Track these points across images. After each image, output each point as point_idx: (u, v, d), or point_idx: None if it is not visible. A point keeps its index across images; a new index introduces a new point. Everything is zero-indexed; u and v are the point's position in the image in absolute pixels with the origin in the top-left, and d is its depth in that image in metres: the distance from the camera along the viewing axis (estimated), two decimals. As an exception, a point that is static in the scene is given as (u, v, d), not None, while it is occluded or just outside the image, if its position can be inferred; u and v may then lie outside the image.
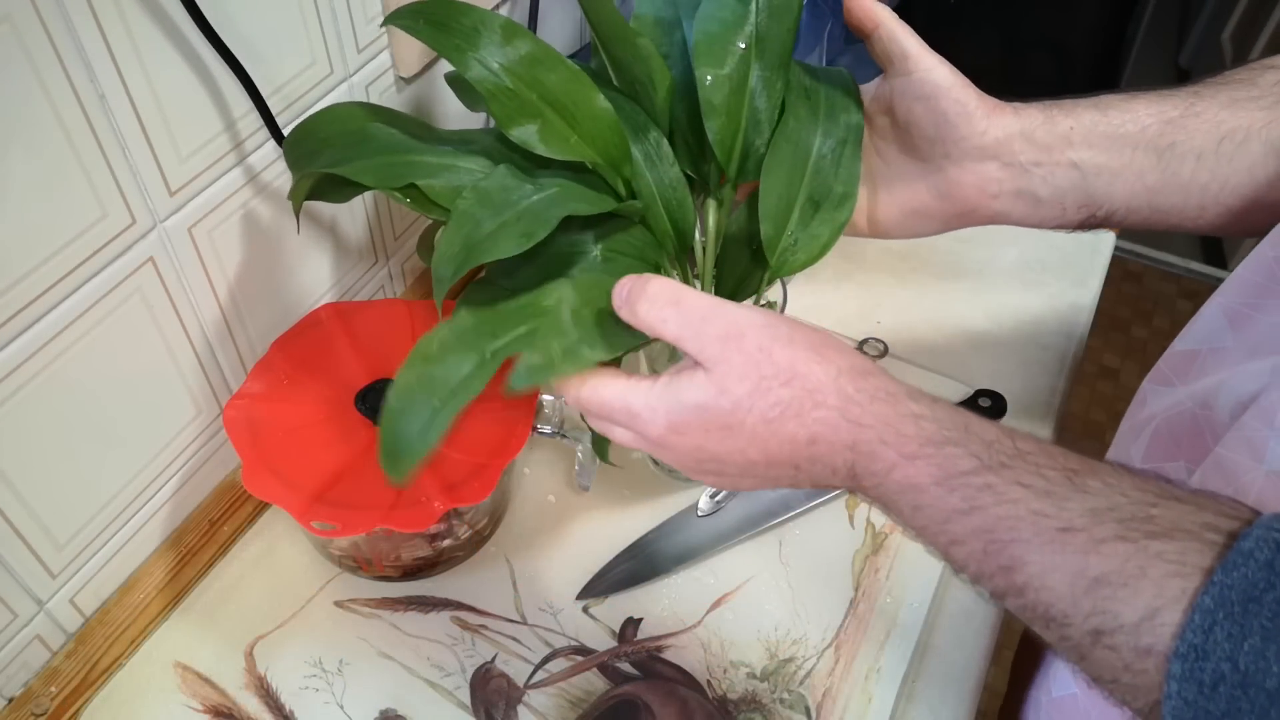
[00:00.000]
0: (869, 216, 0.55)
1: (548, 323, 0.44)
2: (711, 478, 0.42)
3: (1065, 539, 0.33)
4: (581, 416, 0.46)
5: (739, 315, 0.40)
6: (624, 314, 0.41)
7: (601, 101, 0.49)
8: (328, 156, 0.49)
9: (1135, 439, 0.52)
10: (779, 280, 0.56)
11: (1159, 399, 0.52)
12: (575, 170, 0.50)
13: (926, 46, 0.50)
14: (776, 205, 0.53)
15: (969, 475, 0.36)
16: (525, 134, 0.47)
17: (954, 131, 0.50)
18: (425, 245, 0.60)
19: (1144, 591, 0.32)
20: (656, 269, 0.54)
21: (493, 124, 0.72)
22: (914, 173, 0.52)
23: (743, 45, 0.51)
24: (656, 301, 0.40)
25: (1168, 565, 0.32)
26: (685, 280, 0.57)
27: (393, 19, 0.49)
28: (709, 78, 0.51)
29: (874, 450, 0.38)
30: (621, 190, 0.51)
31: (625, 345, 0.43)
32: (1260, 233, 0.49)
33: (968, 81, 0.50)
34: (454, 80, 0.60)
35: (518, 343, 0.44)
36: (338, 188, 0.50)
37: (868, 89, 0.55)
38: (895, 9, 0.77)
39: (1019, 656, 0.59)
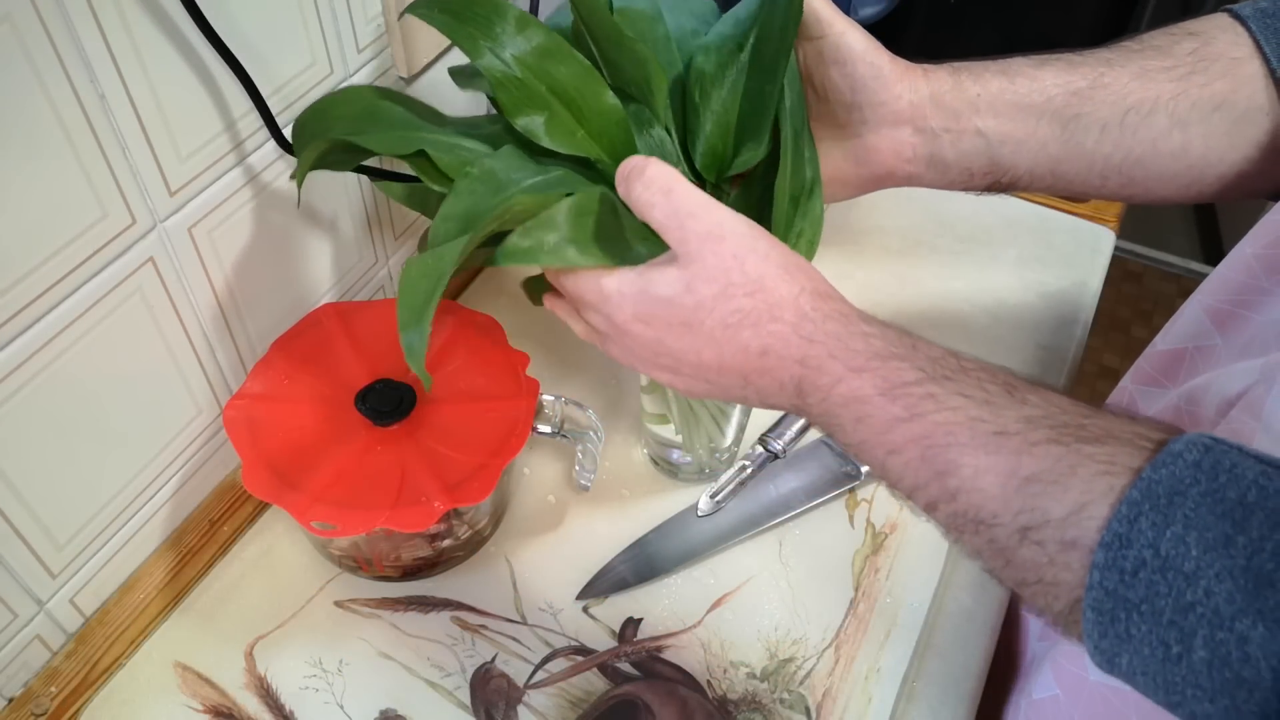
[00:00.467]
0: None
1: (546, 215, 0.44)
2: (665, 374, 0.43)
3: (1000, 441, 0.35)
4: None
5: (724, 219, 0.40)
6: (620, 189, 0.42)
7: (610, 98, 0.49)
8: (338, 130, 0.49)
9: None
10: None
11: (1150, 400, 0.52)
12: (579, 164, 0.50)
13: (837, 9, 0.50)
14: (760, 215, 0.53)
15: (912, 385, 0.37)
16: (531, 124, 0.47)
17: (871, 96, 0.50)
18: (424, 248, 0.60)
19: (1073, 489, 0.32)
20: None
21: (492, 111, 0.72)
22: (830, 141, 0.53)
23: (739, 44, 0.51)
24: (651, 185, 0.41)
25: (1098, 465, 0.32)
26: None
27: (412, 8, 0.50)
28: (699, 76, 0.51)
29: (822, 364, 0.39)
30: None
31: (612, 258, 0.44)
32: (1162, 202, 0.50)
33: (880, 45, 0.50)
34: (456, 71, 0.60)
35: (517, 200, 0.44)
36: (341, 157, 0.50)
37: None
38: (895, 9, 0.77)
39: (995, 661, 0.59)
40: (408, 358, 0.43)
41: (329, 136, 0.49)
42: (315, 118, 0.52)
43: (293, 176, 0.50)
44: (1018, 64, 0.51)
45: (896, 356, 0.38)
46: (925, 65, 0.52)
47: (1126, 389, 0.54)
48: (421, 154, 0.48)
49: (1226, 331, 0.48)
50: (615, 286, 0.42)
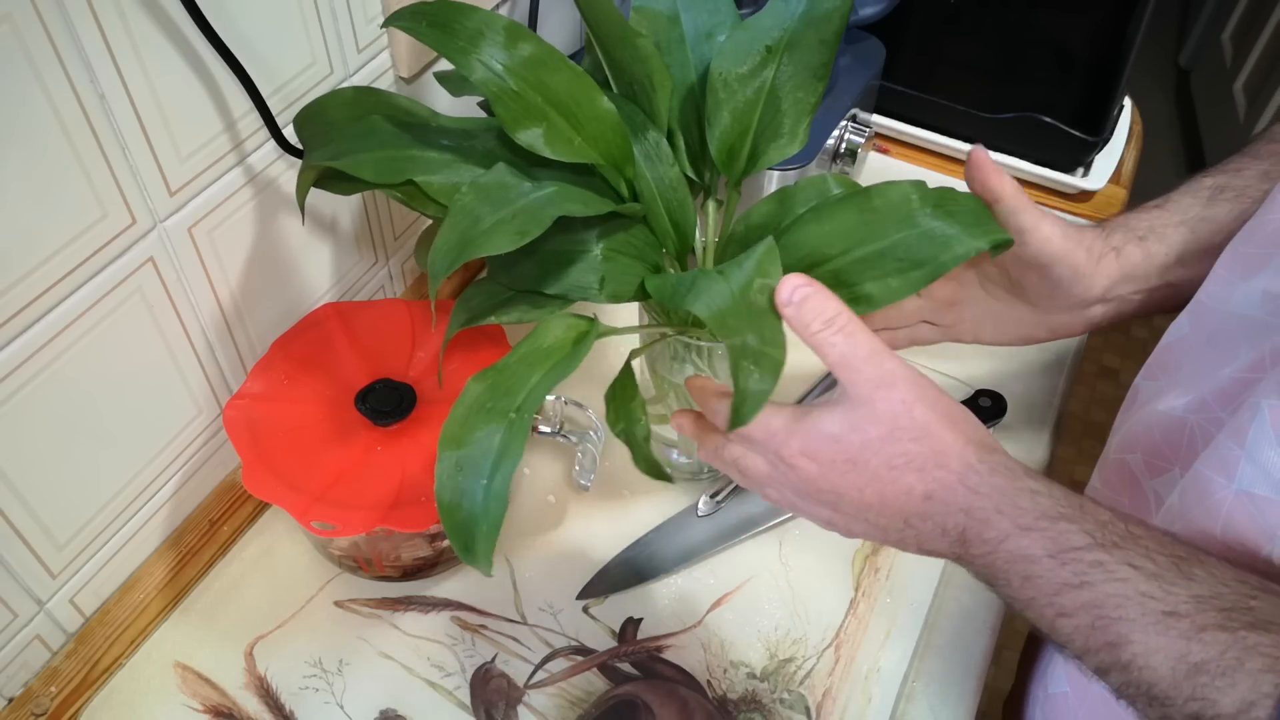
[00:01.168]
0: (973, 336, 0.58)
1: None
2: (825, 510, 0.43)
3: (1169, 623, 0.35)
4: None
5: (894, 367, 0.41)
6: (787, 312, 0.41)
7: (605, 103, 0.49)
8: (334, 146, 0.49)
9: (1133, 442, 0.53)
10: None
11: (1148, 396, 0.53)
12: (576, 170, 0.50)
13: (1043, 214, 0.51)
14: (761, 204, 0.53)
15: (1081, 551, 0.37)
16: (531, 138, 0.47)
17: (1067, 294, 0.53)
18: (424, 249, 0.60)
19: (1240, 684, 0.33)
20: (656, 269, 0.54)
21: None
22: (1023, 314, 0.55)
23: (768, 47, 0.52)
24: (832, 325, 0.41)
25: (1263, 659, 0.33)
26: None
27: (393, 20, 0.49)
28: (723, 74, 0.51)
29: (989, 518, 0.39)
30: (624, 191, 0.51)
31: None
32: None
33: (1078, 238, 0.52)
34: (443, 78, 0.60)
35: (538, 391, 0.44)
36: (340, 180, 0.50)
37: None
38: (895, 9, 0.77)
39: (1025, 653, 0.59)
40: None
41: (324, 157, 0.48)
42: (316, 114, 0.52)
43: (298, 187, 0.50)
44: (1190, 207, 0.52)
45: (1064, 518, 0.38)
46: (1113, 239, 0.53)
47: (1139, 385, 0.54)
48: (411, 182, 0.48)
49: (1196, 323, 0.50)
50: (782, 423, 0.42)
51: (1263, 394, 0.40)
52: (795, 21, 0.51)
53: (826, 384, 0.70)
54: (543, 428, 0.59)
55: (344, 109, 0.52)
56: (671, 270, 0.56)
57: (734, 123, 0.52)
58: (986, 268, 0.56)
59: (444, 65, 0.68)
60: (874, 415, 0.40)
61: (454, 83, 0.59)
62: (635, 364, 0.51)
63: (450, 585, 0.59)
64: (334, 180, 0.50)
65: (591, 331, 0.47)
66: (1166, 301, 0.54)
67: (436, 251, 0.45)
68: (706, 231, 0.56)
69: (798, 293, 0.41)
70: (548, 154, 0.48)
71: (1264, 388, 0.40)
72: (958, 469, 0.40)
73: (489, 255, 0.44)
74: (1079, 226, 0.53)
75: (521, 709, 0.54)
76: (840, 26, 0.51)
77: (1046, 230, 0.51)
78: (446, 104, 0.70)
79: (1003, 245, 0.48)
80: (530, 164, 0.49)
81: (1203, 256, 0.51)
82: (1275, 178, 0.51)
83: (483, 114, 0.59)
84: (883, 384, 0.40)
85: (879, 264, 0.46)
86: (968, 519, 0.40)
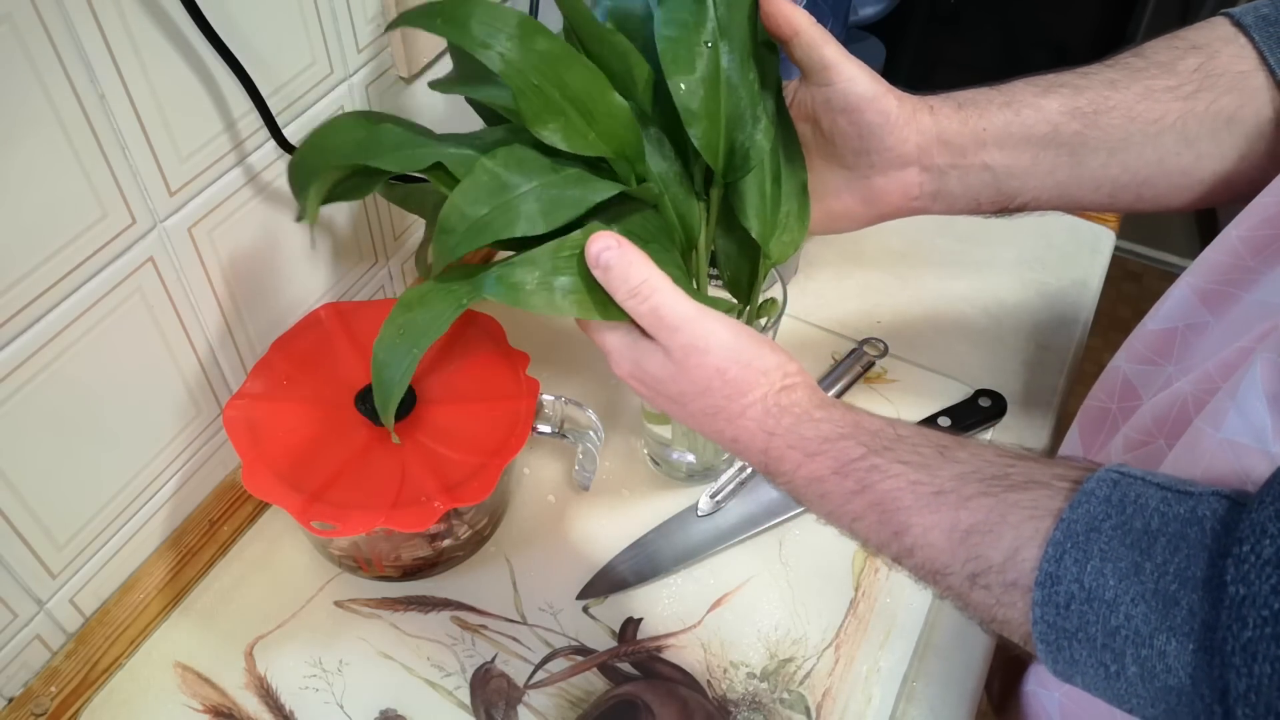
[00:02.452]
0: None
1: (534, 254, 0.45)
2: (666, 408, 0.48)
3: (939, 500, 0.39)
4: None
5: (708, 332, 0.44)
6: (598, 274, 0.45)
7: (617, 98, 0.49)
8: (345, 159, 0.49)
9: (1125, 419, 0.53)
10: (779, 280, 0.56)
11: (1148, 379, 0.53)
12: (585, 164, 0.50)
13: (845, 53, 0.50)
14: (753, 199, 0.53)
15: (858, 461, 0.41)
16: (551, 134, 0.48)
17: (879, 143, 0.51)
18: (424, 257, 0.60)
19: (1006, 535, 0.36)
20: (669, 250, 0.53)
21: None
22: (839, 181, 0.54)
23: (709, 44, 0.51)
24: (635, 295, 0.44)
25: (1024, 511, 0.36)
26: (685, 281, 0.56)
27: (404, 20, 0.49)
28: (682, 85, 0.51)
29: (782, 454, 0.44)
30: (634, 185, 0.51)
31: (595, 304, 0.46)
32: (1169, 211, 0.51)
33: (888, 87, 0.51)
34: (439, 86, 0.60)
35: (489, 281, 0.46)
36: (354, 185, 0.50)
37: (786, 91, 0.55)
38: (895, 9, 0.77)
39: (1010, 653, 0.60)
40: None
41: (336, 161, 0.48)
42: (313, 153, 0.50)
43: (300, 218, 0.50)
44: (1022, 92, 0.51)
45: (842, 437, 0.42)
46: (931, 100, 0.52)
47: (1120, 369, 0.54)
48: (439, 166, 0.48)
49: (1216, 310, 0.49)
50: (614, 344, 0.46)
51: (1260, 350, 0.40)
52: (717, 8, 0.50)
53: (843, 367, 0.70)
54: (542, 428, 0.59)
55: (346, 131, 0.51)
56: (675, 269, 0.56)
57: (710, 125, 0.51)
58: (801, 126, 0.54)
59: (445, 66, 0.68)
60: (689, 376, 0.44)
61: (447, 84, 0.59)
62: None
63: (450, 585, 0.59)
64: (347, 189, 0.50)
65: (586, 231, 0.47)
66: (985, 191, 0.52)
67: (451, 208, 0.45)
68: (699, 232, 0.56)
69: (601, 257, 0.44)
70: (565, 148, 0.48)
71: (1265, 346, 0.41)
72: (757, 415, 0.44)
73: (515, 238, 0.45)
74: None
75: (521, 709, 0.54)
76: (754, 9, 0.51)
77: (851, 69, 0.50)
78: (447, 107, 0.70)
79: None
80: (545, 155, 0.49)
81: (1022, 145, 0.50)
82: (1120, 87, 0.50)
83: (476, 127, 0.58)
84: (695, 350, 0.44)
85: None
86: (766, 456, 0.44)
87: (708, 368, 0.44)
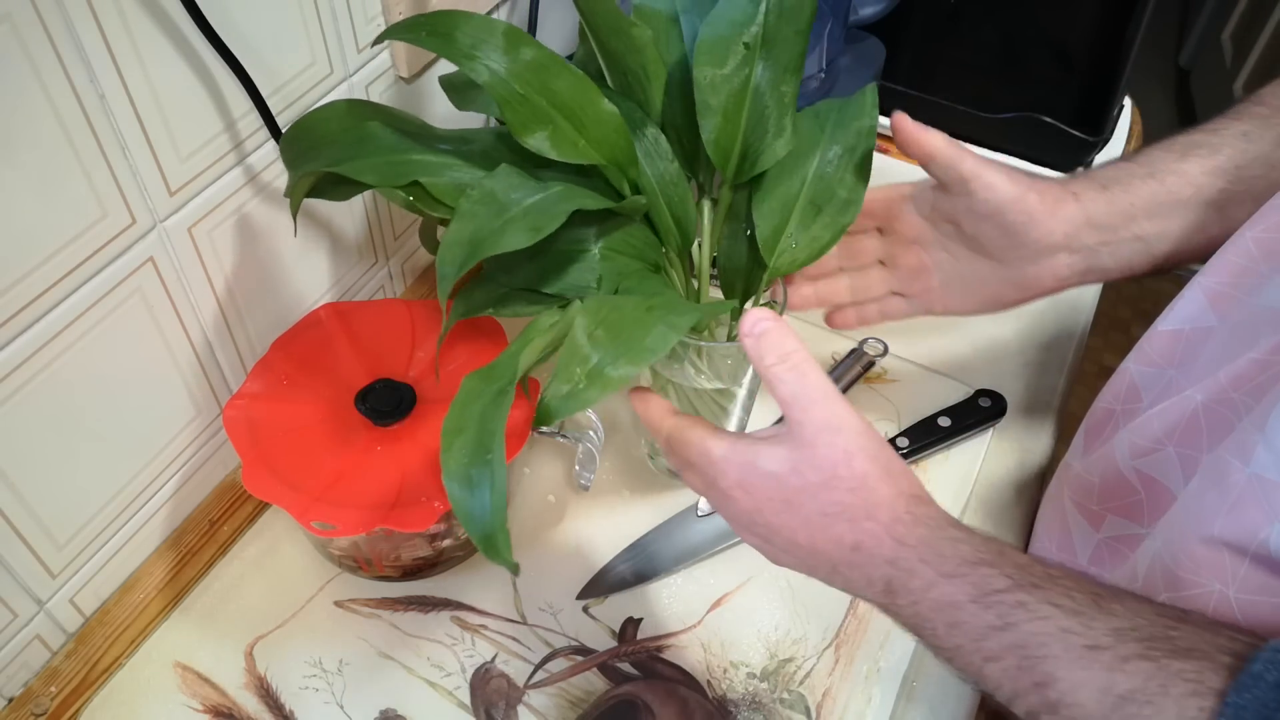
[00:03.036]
0: (943, 305, 0.57)
1: (566, 350, 0.44)
2: (757, 540, 0.44)
3: (1093, 656, 0.35)
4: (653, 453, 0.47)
5: (844, 414, 0.41)
6: (747, 343, 0.42)
7: (607, 105, 0.49)
8: (327, 155, 0.49)
9: (1127, 420, 0.52)
10: (779, 280, 0.56)
11: (1151, 383, 0.52)
12: (577, 172, 0.50)
13: (981, 160, 0.50)
14: (773, 207, 0.53)
15: (1003, 593, 0.38)
16: (538, 141, 0.47)
17: (1025, 238, 0.51)
18: (427, 234, 0.60)
19: (1167, 710, 0.33)
20: (656, 268, 0.54)
21: (490, 122, 0.72)
22: (987, 271, 0.54)
23: (747, 45, 0.51)
24: (787, 360, 0.41)
25: (1187, 684, 0.33)
26: (684, 281, 0.57)
27: (392, 33, 0.49)
28: (707, 77, 0.51)
29: (913, 568, 0.39)
30: (627, 191, 0.51)
31: (646, 360, 0.44)
32: None
33: (1028, 183, 0.51)
34: (449, 84, 0.60)
35: (524, 365, 0.45)
36: (338, 186, 0.50)
37: (924, 197, 0.55)
38: (895, 9, 0.77)
39: None
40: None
41: (320, 164, 0.48)
42: (303, 134, 0.51)
43: (287, 194, 0.50)
44: (1160, 160, 0.52)
45: (985, 563, 0.39)
46: (1073, 185, 0.52)
47: (1128, 371, 0.54)
48: (416, 184, 0.48)
49: (1223, 313, 0.49)
50: (722, 454, 0.43)
51: None
52: (768, 15, 0.51)
53: (843, 367, 0.70)
54: (543, 428, 0.59)
55: (337, 120, 0.51)
56: (675, 270, 0.56)
57: (725, 122, 0.52)
58: (944, 226, 0.55)
59: (445, 67, 0.68)
60: (815, 460, 0.41)
61: (459, 90, 0.59)
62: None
63: (450, 585, 0.59)
64: (331, 187, 0.50)
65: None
66: (1137, 259, 0.52)
67: (446, 250, 0.45)
68: (703, 232, 0.56)
69: (758, 325, 0.42)
70: (554, 156, 0.48)
71: None
72: (886, 520, 0.40)
73: (501, 253, 0.44)
74: (1030, 173, 0.52)
75: (521, 709, 0.54)
76: (811, 15, 0.51)
77: (990, 176, 0.50)
78: (447, 106, 0.70)
79: None
80: (533, 165, 0.49)
81: (1171, 211, 0.50)
82: (1254, 139, 0.50)
83: (473, 126, 0.59)
84: (828, 428, 0.41)
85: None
86: (893, 569, 0.40)
87: (837, 449, 0.41)
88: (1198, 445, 0.47)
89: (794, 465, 0.41)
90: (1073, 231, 0.51)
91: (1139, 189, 0.51)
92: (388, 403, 0.55)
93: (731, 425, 0.62)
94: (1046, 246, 0.52)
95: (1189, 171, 0.51)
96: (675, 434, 0.45)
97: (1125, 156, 0.53)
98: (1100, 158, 0.86)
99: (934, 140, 0.50)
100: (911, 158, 0.51)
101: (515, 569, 0.43)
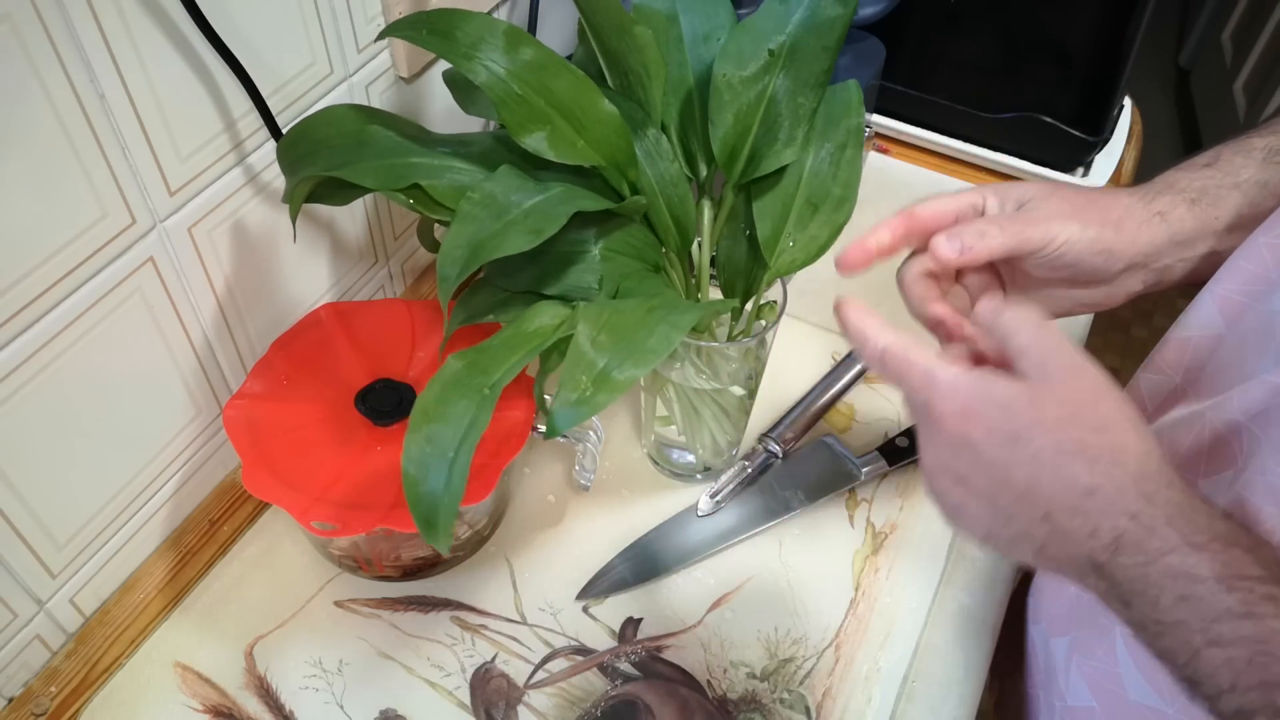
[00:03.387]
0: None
1: (571, 358, 0.44)
2: (948, 482, 0.39)
3: None
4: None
5: (1087, 363, 0.38)
6: (985, 313, 0.40)
7: (606, 105, 0.49)
8: (325, 160, 0.49)
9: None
10: (779, 280, 0.56)
11: (1154, 389, 0.52)
12: (576, 173, 0.50)
13: (1048, 219, 0.47)
14: (772, 207, 0.53)
15: (1254, 581, 0.34)
16: (536, 142, 0.47)
17: (1103, 274, 0.49)
18: (425, 232, 0.60)
19: None
20: (656, 269, 0.54)
21: (490, 126, 0.72)
22: (1060, 294, 0.52)
23: (771, 51, 0.51)
24: (1023, 311, 0.39)
25: None
26: (684, 281, 0.57)
27: (393, 30, 0.49)
28: (726, 76, 0.51)
29: (1156, 527, 0.35)
30: (626, 191, 0.51)
31: (651, 361, 0.44)
32: None
33: (1101, 216, 0.48)
34: (452, 80, 0.60)
35: (514, 369, 0.44)
36: (337, 190, 0.50)
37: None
38: (895, 9, 0.77)
39: (1000, 650, 0.59)
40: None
41: (317, 169, 0.48)
42: (300, 139, 0.51)
43: (285, 200, 0.50)
44: (1243, 169, 0.49)
45: (1240, 546, 0.35)
46: (1158, 204, 0.49)
47: (1138, 377, 0.54)
48: (416, 187, 0.48)
49: (1230, 320, 0.48)
50: (951, 376, 0.38)
51: None
52: (798, 27, 0.51)
53: (844, 366, 0.70)
54: (542, 427, 0.59)
55: (334, 125, 0.51)
56: (674, 270, 0.56)
57: (736, 123, 0.52)
58: (1019, 278, 0.53)
59: (444, 66, 0.68)
60: (1058, 394, 0.37)
61: (462, 89, 0.59)
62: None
63: (450, 585, 0.59)
64: (331, 192, 0.50)
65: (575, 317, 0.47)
66: (1204, 267, 0.50)
67: (446, 254, 0.45)
68: (703, 232, 0.56)
69: (991, 304, 0.40)
70: (552, 157, 0.48)
71: None
72: (1134, 471, 0.36)
73: (503, 257, 0.44)
74: (1102, 199, 0.49)
75: (521, 709, 0.54)
76: (842, 34, 0.51)
77: (1061, 235, 0.47)
78: (447, 106, 0.70)
79: None
80: (532, 167, 0.49)
81: (1255, 224, 0.48)
82: None
83: (473, 129, 0.59)
84: (1074, 370, 0.37)
85: None
86: (1131, 523, 0.35)
87: (1084, 388, 0.37)
88: (1194, 471, 0.47)
89: (1032, 398, 0.37)
90: (1153, 252, 0.49)
91: (1227, 203, 0.49)
92: (388, 403, 0.55)
93: (732, 425, 0.62)
94: (1125, 270, 0.49)
95: (1273, 184, 0.48)
96: (895, 350, 0.41)
97: (1203, 160, 0.50)
98: (1100, 158, 0.86)
99: (989, 306, 0.44)
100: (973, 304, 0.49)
101: (448, 551, 0.43)
